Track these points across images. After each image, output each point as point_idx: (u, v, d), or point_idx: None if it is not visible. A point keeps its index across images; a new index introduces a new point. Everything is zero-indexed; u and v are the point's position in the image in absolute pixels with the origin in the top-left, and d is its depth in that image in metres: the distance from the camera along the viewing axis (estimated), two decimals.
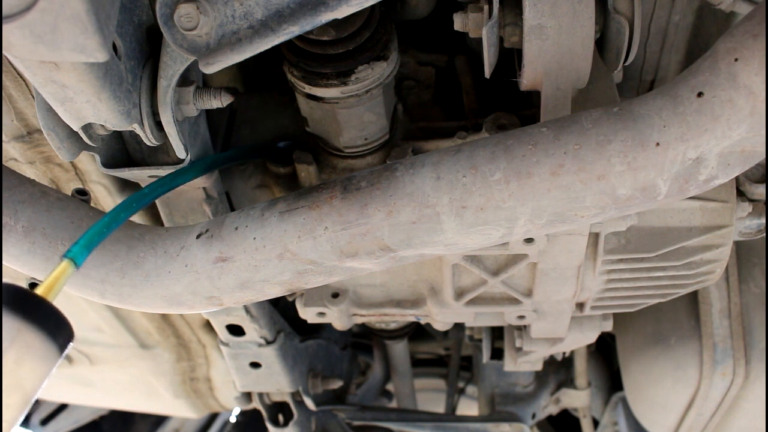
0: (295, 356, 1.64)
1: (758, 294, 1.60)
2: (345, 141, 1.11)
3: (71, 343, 0.68)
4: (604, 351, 2.35)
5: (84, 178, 1.25)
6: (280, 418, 1.84)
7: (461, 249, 0.86)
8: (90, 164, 1.22)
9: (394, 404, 2.72)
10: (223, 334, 1.49)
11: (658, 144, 0.73)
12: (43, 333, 0.65)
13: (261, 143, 1.20)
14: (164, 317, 1.79)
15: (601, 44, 0.95)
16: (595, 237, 1.18)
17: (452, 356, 2.68)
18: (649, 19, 1.20)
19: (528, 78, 0.90)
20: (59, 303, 0.69)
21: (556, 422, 2.78)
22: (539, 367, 1.78)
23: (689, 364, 1.65)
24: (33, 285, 0.96)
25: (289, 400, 1.77)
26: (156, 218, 1.26)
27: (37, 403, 2.86)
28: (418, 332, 2.55)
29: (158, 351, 1.91)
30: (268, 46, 0.79)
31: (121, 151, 1.02)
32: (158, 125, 0.90)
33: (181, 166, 0.97)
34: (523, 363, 1.71)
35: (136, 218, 1.31)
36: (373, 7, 0.96)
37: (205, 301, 0.94)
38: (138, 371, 2.04)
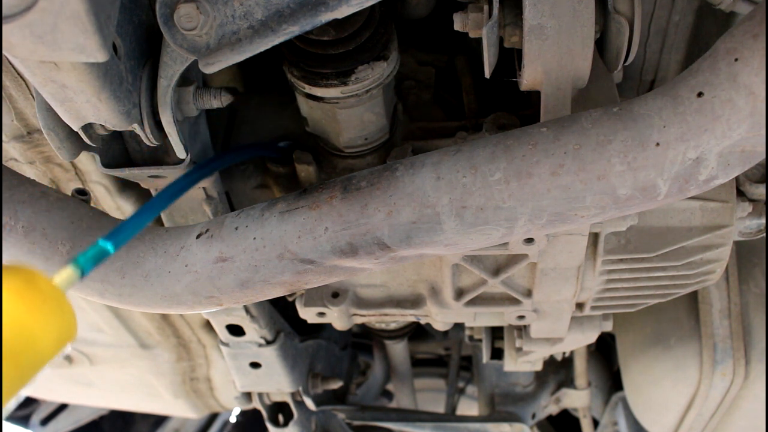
0: (295, 356, 1.64)
1: (758, 294, 1.60)
2: (345, 141, 1.11)
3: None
4: (604, 351, 2.35)
5: (84, 178, 1.26)
6: (280, 418, 1.84)
7: (461, 249, 0.86)
8: (90, 164, 1.22)
9: (394, 404, 2.72)
10: (223, 334, 1.49)
11: (658, 144, 0.73)
12: None
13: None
14: (164, 317, 1.79)
15: (601, 44, 0.95)
16: (595, 237, 1.18)
17: (452, 356, 2.69)
18: (649, 19, 1.19)
19: (528, 78, 0.90)
20: None
21: (556, 422, 2.78)
22: (539, 367, 1.78)
23: (689, 364, 1.65)
24: None
25: (289, 400, 1.77)
26: (156, 218, 1.26)
27: (37, 403, 2.86)
28: (418, 332, 2.55)
29: (158, 351, 1.91)
30: (268, 46, 0.79)
31: (121, 151, 1.02)
32: (158, 125, 0.90)
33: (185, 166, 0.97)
34: (523, 363, 1.71)
35: None
36: (373, 7, 0.96)
37: (205, 301, 0.94)
38: (138, 371, 2.04)
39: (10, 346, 0.56)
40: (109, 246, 0.76)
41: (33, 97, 1.05)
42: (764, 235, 1.27)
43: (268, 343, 1.51)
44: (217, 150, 1.20)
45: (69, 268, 0.68)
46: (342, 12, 0.77)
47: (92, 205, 0.98)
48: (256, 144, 1.19)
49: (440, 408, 2.73)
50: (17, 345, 0.57)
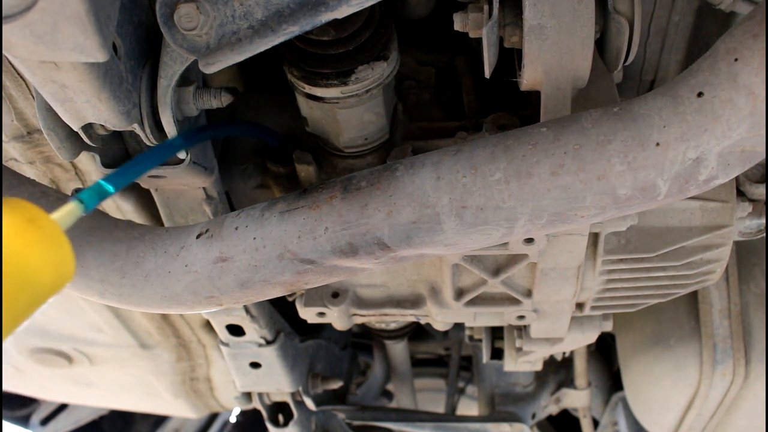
0: (295, 356, 1.64)
1: (758, 294, 1.60)
2: (345, 141, 1.11)
3: None
4: (604, 351, 2.35)
5: (84, 178, 1.26)
6: (280, 418, 1.84)
7: (461, 249, 0.86)
8: (90, 164, 1.22)
9: (394, 404, 2.72)
10: (223, 334, 1.49)
11: (658, 144, 0.73)
12: None
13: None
14: (164, 317, 1.79)
15: (601, 44, 0.95)
16: (595, 237, 1.18)
17: (452, 356, 2.69)
18: (649, 19, 1.19)
19: (528, 78, 0.90)
20: (59, 303, 0.68)
21: (556, 422, 2.78)
22: (539, 367, 1.78)
23: (689, 364, 1.65)
24: None
25: (289, 400, 1.77)
26: (156, 218, 1.26)
27: (37, 403, 2.86)
28: (418, 332, 2.55)
29: (158, 351, 1.91)
30: (268, 46, 0.79)
31: (121, 151, 1.02)
32: (158, 125, 0.90)
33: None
34: (523, 363, 1.71)
35: (136, 218, 1.31)
36: (373, 7, 0.96)
37: (205, 301, 0.93)
38: (138, 371, 2.04)
39: (7, 280, 0.55)
40: (109, 186, 0.76)
41: (33, 97, 1.05)
42: (764, 235, 1.27)
43: (268, 343, 1.51)
44: (217, 150, 1.20)
45: (71, 204, 0.68)
46: (342, 12, 0.77)
47: None
48: (261, 126, 1.19)
49: (440, 408, 2.73)
50: (13, 278, 0.56)
